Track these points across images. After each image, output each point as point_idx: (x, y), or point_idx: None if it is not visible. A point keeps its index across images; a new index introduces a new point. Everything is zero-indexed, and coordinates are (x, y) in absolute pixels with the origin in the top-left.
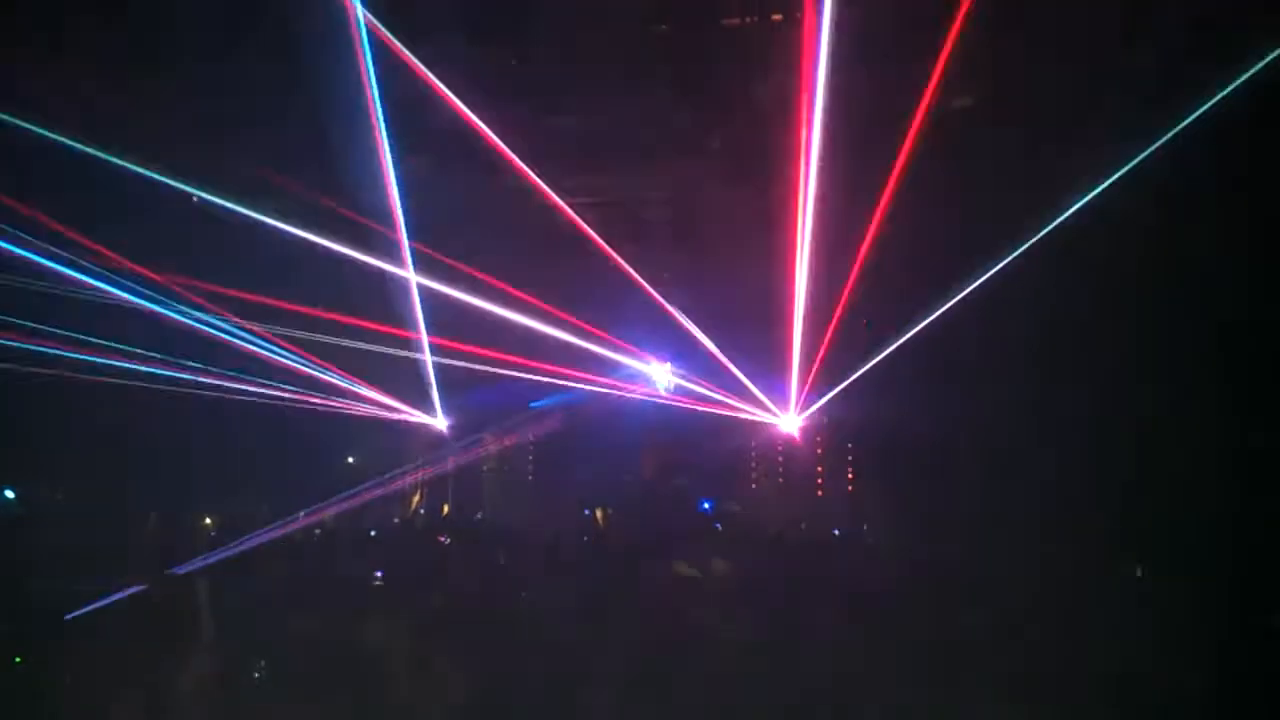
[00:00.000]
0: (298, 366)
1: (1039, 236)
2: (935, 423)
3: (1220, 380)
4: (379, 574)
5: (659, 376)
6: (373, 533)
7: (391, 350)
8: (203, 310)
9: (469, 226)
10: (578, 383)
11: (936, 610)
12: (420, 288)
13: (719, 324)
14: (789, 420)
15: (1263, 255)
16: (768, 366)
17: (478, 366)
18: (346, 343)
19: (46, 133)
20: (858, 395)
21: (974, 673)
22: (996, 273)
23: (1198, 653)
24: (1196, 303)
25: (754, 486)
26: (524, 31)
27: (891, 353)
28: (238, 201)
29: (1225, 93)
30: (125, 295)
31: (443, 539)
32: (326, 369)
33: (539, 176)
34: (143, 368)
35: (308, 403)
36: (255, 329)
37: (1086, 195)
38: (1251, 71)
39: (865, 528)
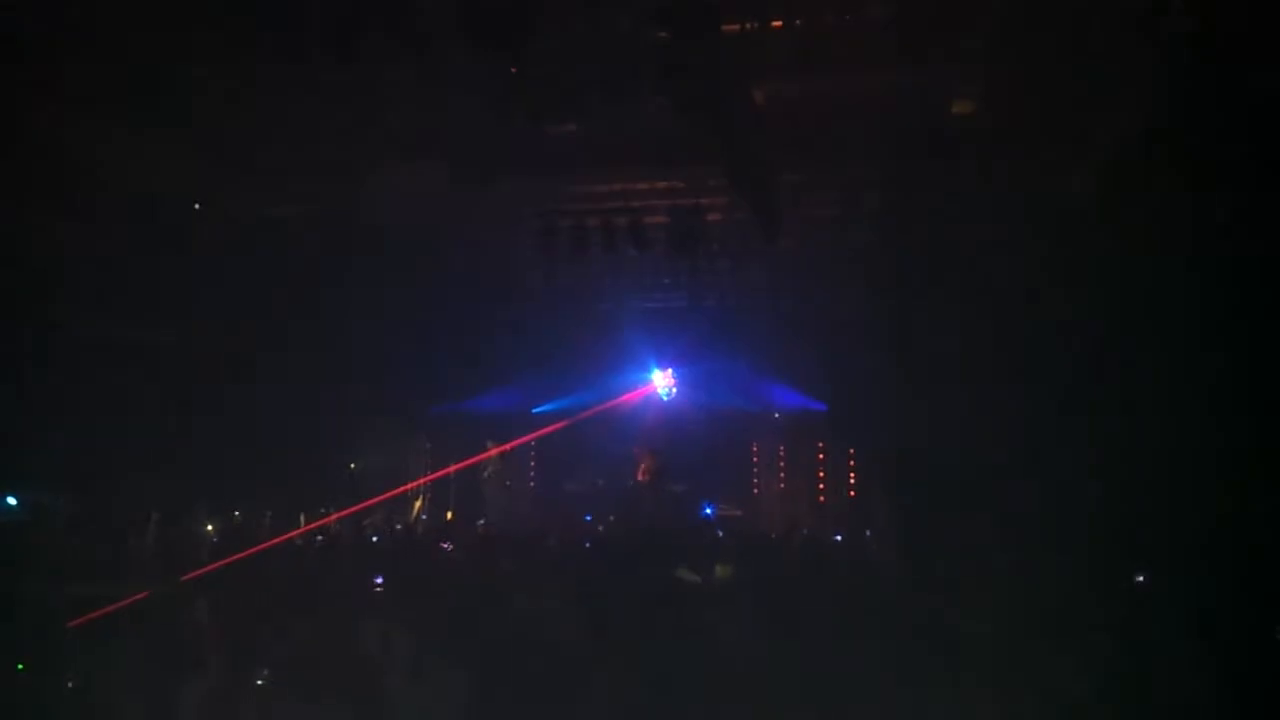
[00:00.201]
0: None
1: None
2: (935, 427)
3: (1220, 380)
4: (379, 580)
5: (660, 383)
6: (375, 539)
7: None
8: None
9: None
10: (581, 388)
11: (936, 613)
12: None
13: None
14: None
15: (1263, 250)
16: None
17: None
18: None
19: None
20: (860, 400)
21: (974, 674)
22: (995, 275)
23: (1198, 656)
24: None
25: (755, 492)
26: None
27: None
28: None
29: None
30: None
31: (445, 545)
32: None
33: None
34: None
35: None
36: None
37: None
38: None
39: (868, 533)
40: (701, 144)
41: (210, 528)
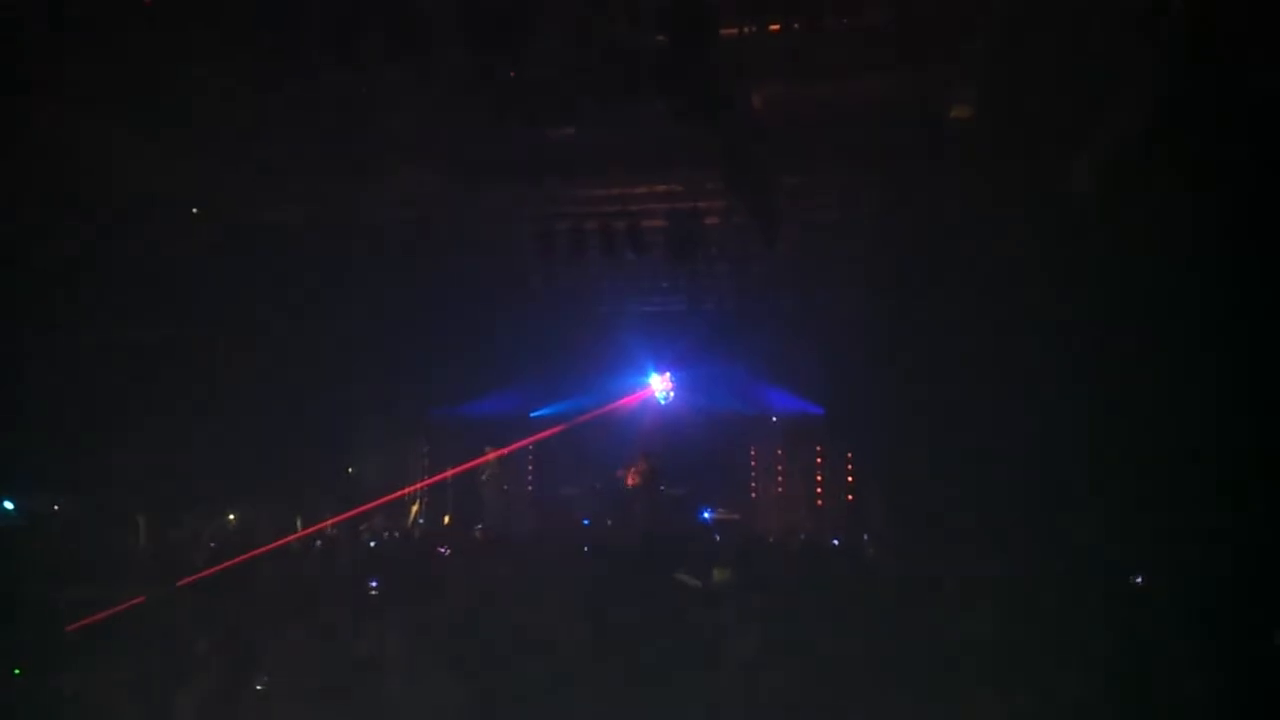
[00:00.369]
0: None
1: (1037, 238)
2: (933, 430)
3: (1220, 380)
4: (374, 583)
5: (658, 386)
6: (373, 544)
7: None
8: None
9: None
10: (579, 391)
11: (935, 615)
12: None
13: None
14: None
15: (1261, 250)
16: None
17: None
18: None
19: None
20: (858, 404)
21: (973, 675)
22: (994, 279)
23: (1198, 657)
24: (1196, 302)
25: (753, 496)
26: None
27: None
28: None
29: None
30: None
31: (443, 550)
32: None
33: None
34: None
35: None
36: None
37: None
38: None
39: (865, 537)
40: (700, 148)
41: (208, 531)
